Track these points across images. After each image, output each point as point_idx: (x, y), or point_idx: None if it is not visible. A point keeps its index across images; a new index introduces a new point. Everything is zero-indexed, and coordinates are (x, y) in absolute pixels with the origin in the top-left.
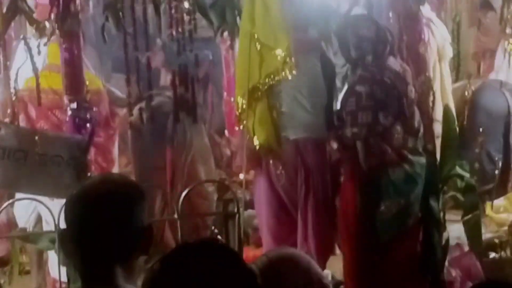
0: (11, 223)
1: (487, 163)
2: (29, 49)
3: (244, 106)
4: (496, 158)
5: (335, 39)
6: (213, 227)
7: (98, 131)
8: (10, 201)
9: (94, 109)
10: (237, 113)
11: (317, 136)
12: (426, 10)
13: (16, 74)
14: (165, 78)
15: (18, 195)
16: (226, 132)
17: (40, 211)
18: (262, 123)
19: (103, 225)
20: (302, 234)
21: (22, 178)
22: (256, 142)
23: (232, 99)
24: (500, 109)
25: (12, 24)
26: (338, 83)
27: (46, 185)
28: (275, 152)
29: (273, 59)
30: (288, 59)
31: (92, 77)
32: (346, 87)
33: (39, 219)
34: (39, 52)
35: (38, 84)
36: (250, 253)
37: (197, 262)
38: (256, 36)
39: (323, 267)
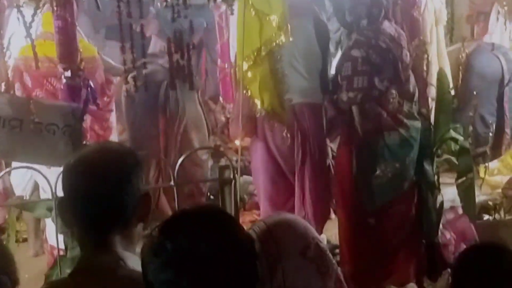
0: (8, 191)
1: (481, 126)
2: (23, 17)
3: (245, 71)
4: (490, 121)
5: (330, 3)
6: (208, 194)
7: (96, 98)
8: (7, 169)
9: (89, 77)
10: (239, 78)
11: (313, 100)
12: None
13: (9, 42)
14: (155, 46)
15: (14, 164)
16: (220, 98)
17: (37, 179)
18: (265, 87)
19: (100, 192)
20: (300, 199)
21: (18, 147)
22: (259, 106)
23: (226, 65)
24: (493, 72)
25: None
26: (331, 48)
27: (41, 153)
28: (279, 115)
29: (269, 24)
30: (283, 25)
31: (87, 45)
32: (340, 52)
33: (35, 187)
34: (32, 20)
35: (35, 53)
36: (246, 218)
37: (196, 228)
38: (250, 2)
39: (320, 232)
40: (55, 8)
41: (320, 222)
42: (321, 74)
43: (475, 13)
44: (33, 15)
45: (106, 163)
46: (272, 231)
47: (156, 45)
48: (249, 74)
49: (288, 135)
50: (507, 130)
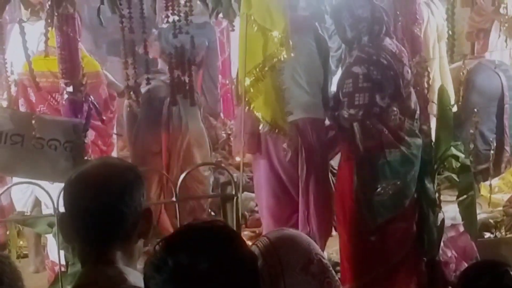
0: (9, 206)
1: (481, 143)
2: (23, 34)
3: (247, 87)
4: (491, 139)
5: (331, 20)
6: (209, 210)
7: (100, 114)
8: (10, 185)
9: (93, 92)
10: (241, 94)
11: (316, 116)
12: None
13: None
14: (163, 63)
15: (15, 179)
16: (221, 114)
17: (38, 195)
18: (268, 102)
19: (102, 208)
20: (304, 215)
21: (19, 162)
22: (262, 122)
23: (227, 81)
24: (493, 89)
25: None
26: (332, 66)
27: (43, 169)
28: (282, 129)
29: (271, 40)
30: (285, 41)
31: (91, 60)
32: (342, 68)
33: (36, 203)
34: (46, 38)
35: (31, 70)
36: (247, 235)
37: (199, 245)
38: (252, 18)
39: (323, 248)
40: (57, 23)
41: (324, 237)
42: (323, 89)
43: (475, 30)
44: (46, 33)
45: (107, 179)
46: (275, 246)
47: (160, 64)
48: (252, 89)
49: (289, 149)
50: (507, 148)
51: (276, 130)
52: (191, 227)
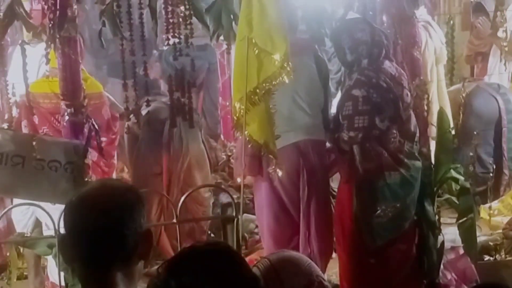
0: (9, 228)
1: (478, 166)
2: (24, 56)
3: (242, 111)
4: (490, 162)
5: (331, 42)
6: (209, 232)
7: (100, 135)
8: (11, 206)
9: (95, 113)
10: (235, 118)
11: (317, 137)
12: (424, 13)
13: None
14: (165, 86)
15: (15, 200)
16: (221, 136)
17: (39, 216)
18: (261, 126)
19: (102, 230)
20: (305, 236)
21: (20, 183)
22: (256, 145)
23: (227, 103)
24: (491, 112)
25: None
26: (332, 88)
27: (43, 190)
28: (272, 153)
29: (271, 63)
30: (285, 64)
31: (94, 82)
32: (341, 91)
33: (37, 224)
34: (47, 60)
35: (27, 92)
36: (247, 257)
37: (201, 267)
38: (254, 41)
39: (324, 270)
40: (58, 46)
41: (325, 259)
42: (323, 112)
43: (473, 53)
44: (46, 55)
45: (108, 201)
46: (277, 268)
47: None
48: (247, 113)
49: (278, 170)
50: (505, 171)
51: (267, 154)
52: (193, 249)
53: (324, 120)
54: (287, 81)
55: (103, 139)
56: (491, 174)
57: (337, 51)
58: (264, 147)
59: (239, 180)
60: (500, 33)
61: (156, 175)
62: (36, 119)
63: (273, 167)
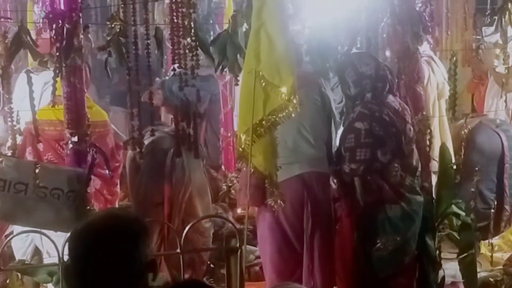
0: (7, 255)
1: (480, 202)
2: (30, 84)
3: (248, 143)
4: (491, 198)
5: (335, 75)
6: (209, 262)
7: (101, 163)
8: (15, 234)
9: (100, 141)
10: (240, 150)
11: (321, 170)
12: (427, 49)
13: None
14: (166, 115)
15: (16, 227)
16: (222, 167)
17: (38, 244)
18: (266, 158)
19: (107, 260)
20: (308, 269)
21: (22, 211)
22: (262, 176)
23: (229, 134)
24: (493, 148)
25: None
26: (336, 117)
27: (45, 218)
28: (275, 186)
29: (277, 96)
30: (292, 97)
31: (99, 110)
32: (344, 123)
33: (36, 252)
34: (54, 88)
35: (35, 120)
36: None
37: None
38: (261, 74)
39: None
40: (64, 74)
41: None
42: (327, 144)
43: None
44: (54, 83)
45: (113, 230)
46: None
47: (166, 115)
48: (253, 145)
49: (282, 203)
50: (507, 207)
51: (271, 186)
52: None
53: (328, 153)
54: (293, 114)
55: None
56: (492, 210)
57: (341, 84)
58: (268, 178)
59: (239, 211)
60: (502, 69)
61: (158, 204)
62: (41, 146)
63: (274, 198)
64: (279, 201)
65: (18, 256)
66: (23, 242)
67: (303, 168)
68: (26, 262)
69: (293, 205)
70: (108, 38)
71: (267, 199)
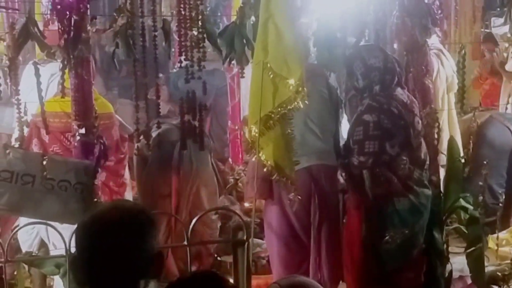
0: (14, 248)
1: (489, 197)
2: (38, 75)
3: (257, 135)
4: (500, 191)
5: (344, 67)
6: (215, 255)
7: (108, 155)
8: (21, 225)
9: (105, 133)
10: (250, 142)
11: (329, 162)
12: (436, 42)
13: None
14: (164, 110)
15: (23, 219)
16: (230, 160)
17: (44, 236)
18: (276, 151)
19: (114, 252)
20: (315, 262)
21: (29, 202)
22: (271, 169)
23: (236, 127)
24: (504, 143)
25: None
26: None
27: (53, 209)
28: (290, 178)
29: (286, 88)
30: (300, 89)
31: (104, 102)
32: (352, 115)
33: (42, 244)
34: (62, 80)
35: (43, 112)
36: (254, 282)
37: None
38: (269, 65)
39: None
40: (72, 66)
41: (335, 285)
42: (334, 137)
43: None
44: (62, 75)
45: (121, 222)
46: None
47: (164, 108)
48: (262, 137)
49: (298, 197)
50: None
51: (284, 178)
52: (184, 280)
53: (335, 145)
54: (302, 106)
55: (112, 158)
56: (500, 205)
57: (349, 76)
58: (278, 171)
59: (246, 204)
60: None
61: (165, 196)
62: (46, 138)
63: (293, 194)
64: (292, 194)
65: (24, 248)
66: (28, 234)
67: (311, 160)
68: (33, 254)
69: (300, 197)
70: (116, 30)
71: (273, 191)
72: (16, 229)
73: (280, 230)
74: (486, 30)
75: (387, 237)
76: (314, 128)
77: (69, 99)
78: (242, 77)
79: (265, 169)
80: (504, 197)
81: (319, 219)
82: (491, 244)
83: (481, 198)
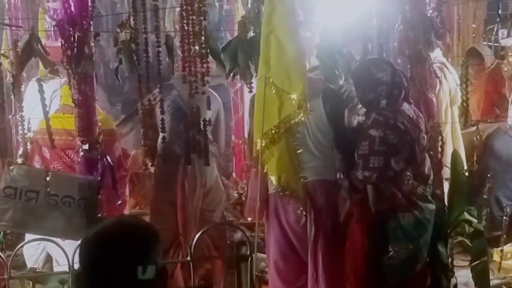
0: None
1: (496, 209)
2: (42, 92)
3: (262, 149)
4: (504, 204)
5: (351, 79)
6: None
7: (114, 173)
8: (25, 242)
9: (107, 149)
10: (254, 155)
11: (325, 177)
12: (439, 55)
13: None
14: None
15: (28, 235)
16: (233, 174)
17: (50, 251)
18: (281, 165)
19: (119, 268)
20: (313, 277)
21: (33, 218)
22: (275, 183)
23: (240, 141)
24: (510, 154)
25: None
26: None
27: (56, 225)
28: (295, 192)
29: (289, 102)
30: (303, 103)
31: (106, 118)
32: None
33: (48, 259)
34: (54, 95)
35: (49, 127)
36: None
37: None
38: (271, 80)
39: None
40: (74, 82)
41: None
42: (336, 149)
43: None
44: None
45: (124, 238)
46: None
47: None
48: (266, 151)
49: (304, 212)
50: None
51: (288, 193)
52: None
53: (336, 159)
54: (305, 120)
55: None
56: (504, 218)
57: (357, 88)
58: (283, 186)
59: (249, 219)
60: None
61: (172, 211)
62: (47, 155)
63: (299, 211)
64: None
65: (29, 263)
66: (35, 249)
67: (307, 176)
68: (37, 270)
69: (295, 213)
70: (119, 46)
71: (270, 206)
72: (20, 245)
73: (278, 243)
74: (488, 43)
75: (391, 252)
76: (311, 145)
77: (69, 116)
78: (250, 91)
79: (269, 184)
80: (509, 209)
81: (314, 234)
82: (496, 257)
83: (485, 210)
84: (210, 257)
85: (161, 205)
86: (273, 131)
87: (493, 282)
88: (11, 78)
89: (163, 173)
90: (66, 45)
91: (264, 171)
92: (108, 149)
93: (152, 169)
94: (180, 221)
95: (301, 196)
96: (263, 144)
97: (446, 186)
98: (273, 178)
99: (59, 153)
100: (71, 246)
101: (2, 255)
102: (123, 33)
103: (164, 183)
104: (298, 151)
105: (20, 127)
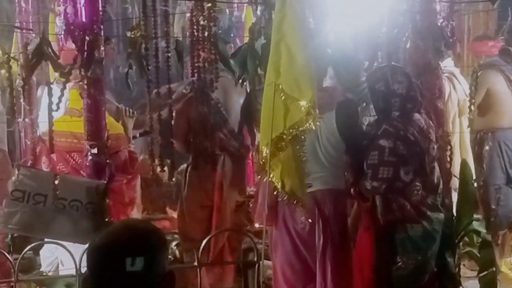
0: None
1: None
2: (50, 95)
3: (268, 156)
4: None
5: (367, 84)
6: None
7: (116, 175)
8: (33, 244)
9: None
10: (261, 163)
11: (335, 186)
12: (449, 65)
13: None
14: None
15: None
16: None
17: (58, 254)
18: (287, 172)
19: (126, 272)
20: (321, 286)
21: (41, 222)
22: (281, 191)
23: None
24: None
25: None
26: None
27: (64, 229)
28: (300, 200)
29: (298, 109)
30: (312, 110)
31: (113, 122)
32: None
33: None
34: (60, 99)
35: (51, 131)
36: None
37: None
38: (280, 87)
39: None
40: (84, 86)
41: None
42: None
43: None
44: (62, 90)
45: (131, 243)
46: None
47: None
48: (273, 159)
49: (309, 220)
50: None
51: (294, 201)
52: None
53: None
54: (314, 128)
55: (118, 179)
56: None
57: (371, 94)
58: (289, 193)
59: (257, 225)
60: None
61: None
62: (54, 156)
63: (303, 219)
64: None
65: (44, 265)
66: (51, 253)
67: (315, 186)
68: (44, 274)
69: (302, 221)
70: (129, 51)
71: (279, 213)
72: (27, 248)
73: (285, 251)
74: None
75: (399, 263)
76: (320, 155)
77: (77, 119)
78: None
79: (275, 192)
80: None
81: (323, 243)
82: (504, 268)
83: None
84: (217, 263)
85: (196, 206)
86: (279, 139)
87: None
88: (21, 81)
89: (199, 175)
90: (76, 49)
91: (270, 178)
92: (114, 154)
93: (160, 174)
94: (214, 223)
95: (306, 204)
96: (269, 152)
97: (454, 196)
98: (278, 186)
99: (64, 155)
100: (79, 249)
101: (10, 258)
102: (133, 36)
103: (200, 184)
104: (304, 159)
105: (29, 130)
